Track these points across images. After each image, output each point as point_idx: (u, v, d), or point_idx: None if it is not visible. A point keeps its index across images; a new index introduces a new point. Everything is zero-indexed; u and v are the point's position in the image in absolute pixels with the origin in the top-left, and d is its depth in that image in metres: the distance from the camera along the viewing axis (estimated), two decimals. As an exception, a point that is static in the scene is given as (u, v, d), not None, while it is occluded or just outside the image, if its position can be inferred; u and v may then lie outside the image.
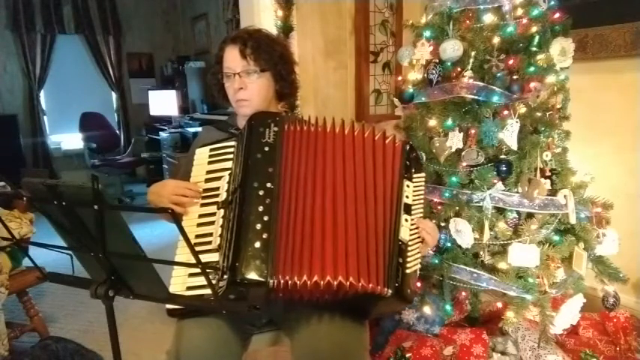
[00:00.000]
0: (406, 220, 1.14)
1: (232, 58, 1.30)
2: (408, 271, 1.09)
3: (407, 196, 1.17)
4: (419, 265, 1.14)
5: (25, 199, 0.93)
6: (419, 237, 1.17)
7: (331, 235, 1.06)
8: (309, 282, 1.01)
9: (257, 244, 1.02)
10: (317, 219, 1.07)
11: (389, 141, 1.22)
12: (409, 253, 1.11)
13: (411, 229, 1.14)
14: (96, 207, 0.81)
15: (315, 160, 1.15)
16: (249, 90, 1.30)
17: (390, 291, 1.04)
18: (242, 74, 1.29)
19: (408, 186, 1.18)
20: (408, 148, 1.23)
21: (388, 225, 1.11)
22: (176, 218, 0.79)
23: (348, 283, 1.01)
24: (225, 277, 1.01)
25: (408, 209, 1.16)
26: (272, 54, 1.31)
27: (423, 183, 1.24)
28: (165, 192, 1.21)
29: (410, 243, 1.13)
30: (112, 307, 0.96)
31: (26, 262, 2.03)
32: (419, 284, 1.82)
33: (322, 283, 1.01)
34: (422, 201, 1.22)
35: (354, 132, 1.21)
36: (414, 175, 1.21)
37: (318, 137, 1.18)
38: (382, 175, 1.17)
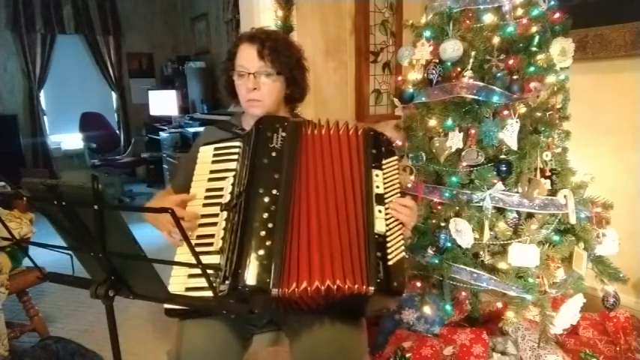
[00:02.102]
0: (379, 211, 1.12)
1: (248, 57, 1.28)
2: (390, 263, 1.06)
3: (377, 186, 1.15)
4: (403, 254, 1.10)
5: (25, 199, 0.93)
6: (398, 223, 1.14)
7: (317, 238, 1.06)
8: (297, 290, 1.00)
9: (260, 252, 1.01)
10: (303, 224, 1.07)
11: (352, 133, 1.21)
12: (389, 244, 1.09)
13: (387, 219, 1.12)
14: (96, 207, 0.81)
15: (300, 163, 1.15)
16: (262, 91, 1.29)
17: (371, 288, 1.02)
18: (257, 75, 1.28)
19: (377, 175, 1.16)
20: (372, 135, 1.22)
21: (363, 221, 1.10)
22: (177, 219, 0.79)
23: (335, 286, 1.00)
24: (227, 282, 1.01)
25: (380, 199, 1.13)
26: (290, 58, 1.31)
27: (395, 165, 1.22)
28: (163, 218, 1.18)
29: (388, 233, 1.10)
30: (112, 307, 0.96)
31: (26, 262, 2.03)
32: (418, 284, 1.82)
33: (310, 289, 1.00)
34: (397, 185, 1.19)
35: (330, 130, 1.21)
36: (384, 162, 1.19)
37: (302, 140, 1.19)
38: (349, 170, 1.16)
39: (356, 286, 1.01)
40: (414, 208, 1.19)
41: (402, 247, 1.11)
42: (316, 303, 1.09)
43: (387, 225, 1.11)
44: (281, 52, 1.29)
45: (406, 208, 1.16)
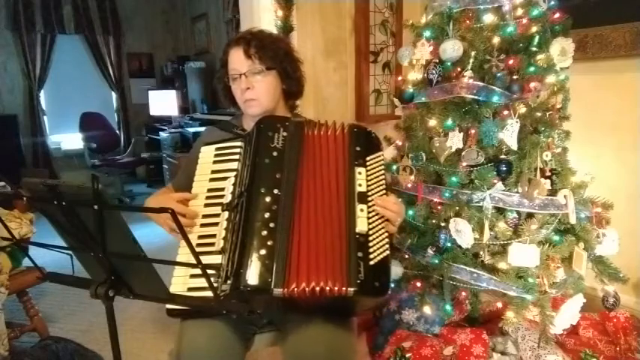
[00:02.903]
0: (361, 210, 1.10)
1: (237, 60, 1.29)
2: (372, 262, 1.04)
3: (360, 184, 1.13)
4: (387, 252, 1.08)
5: (25, 199, 0.93)
6: (381, 221, 1.12)
7: (306, 239, 1.06)
8: (286, 290, 1.00)
9: (262, 251, 1.02)
10: (296, 224, 1.08)
11: (338, 132, 1.21)
12: (371, 244, 1.07)
13: (369, 217, 1.10)
14: (96, 207, 0.81)
15: (300, 163, 1.16)
16: (256, 89, 1.30)
17: (351, 289, 1.01)
18: (248, 74, 1.28)
19: (360, 173, 1.15)
20: (356, 132, 1.21)
21: (345, 220, 1.09)
22: (177, 220, 0.79)
23: (318, 288, 1.01)
24: (229, 282, 1.01)
25: (362, 198, 1.12)
26: (277, 52, 1.31)
27: (381, 161, 1.20)
28: (164, 214, 1.20)
29: (371, 232, 1.08)
30: (112, 307, 0.96)
31: (26, 262, 2.03)
32: (418, 284, 1.82)
33: (297, 290, 1.00)
34: (382, 181, 1.18)
35: (321, 130, 1.22)
36: (368, 159, 1.18)
37: (302, 140, 1.19)
38: (335, 169, 1.16)
39: (336, 288, 1.01)
40: (398, 204, 1.17)
41: (387, 246, 1.09)
42: (307, 303, 1.10)
43: (370, 224, 1.09)
44: (267, 47, 1.29)
45: (391, 204, 1.14)
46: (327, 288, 1.01)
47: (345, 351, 1.17)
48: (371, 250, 1.06)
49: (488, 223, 1.61)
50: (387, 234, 1.12)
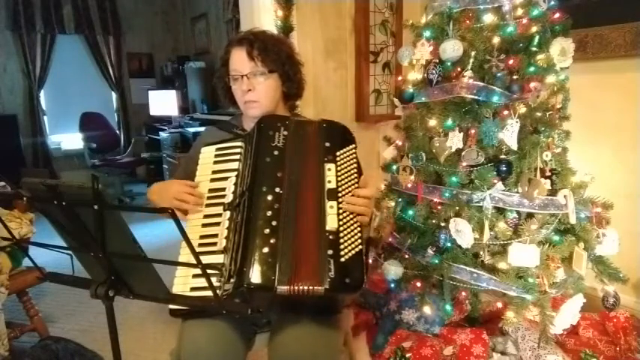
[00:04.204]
0: (331, 207, 1.10)
1: (239, 60, 1.29)
2: (343, 259, 1.04)
3: (329, 181, 1.14)
4: (360, 247, 1.07)
5: (25, 199, 0.93)
6: (353, 216, 1.11)
7: (293, 238, 1.06)
8: (289, 288, 1.01)
9: (265, 250, 1.02)
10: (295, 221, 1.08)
11: (314, 128, 1.22)
12: (342, 240, 1.07)
13: (340, 214, 1.10)
14: (96, 207, 0.81)
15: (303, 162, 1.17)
16: (257, 91, 1.30)
17: (321, 288, 1.01)
18: (250, 76, 1.29)
19: (329, 169, 1.15)
20: (324, 127, 1.22)
21: (316, 218, 1.09)
22: (176, 219, 0.79)
23: (296, 288, 1.01)
24: (232, 280, 1.01)
25: (332, 195, 1.12)
26: (279, 54, 1.31)
27: (352, 154, 1.20)
28: (167, 196, 1.21)
29: (341, 229, 1.08)
30: (112, 307, 0.96)
31: (26, 262, 2.03)
32: (418, 284, 1.82)
33: (284, 289, 1.01)
34: (353, 175, 1.17)
35: (305, 128, 1.23)
36: (339, 154, 1.18)
37: (302, 138, 1.20)
38: (311, 166, 1.16)
39: (306, 287, 1.01)
40: (369, 195, 1.16)
41: (359, 241, 1.08)
42: (300, 302, 1.10)
43: (340, 220, 1.09)
44: (270, 50, 1.29)
45: (360, 199, 1.13)
46: (300, 287, 1.01)
47: (329, 351, 1.17)
48: (342, 247, 1.06)
49: (488, 223, 1.61)
50: (359, 229, 1.11)
